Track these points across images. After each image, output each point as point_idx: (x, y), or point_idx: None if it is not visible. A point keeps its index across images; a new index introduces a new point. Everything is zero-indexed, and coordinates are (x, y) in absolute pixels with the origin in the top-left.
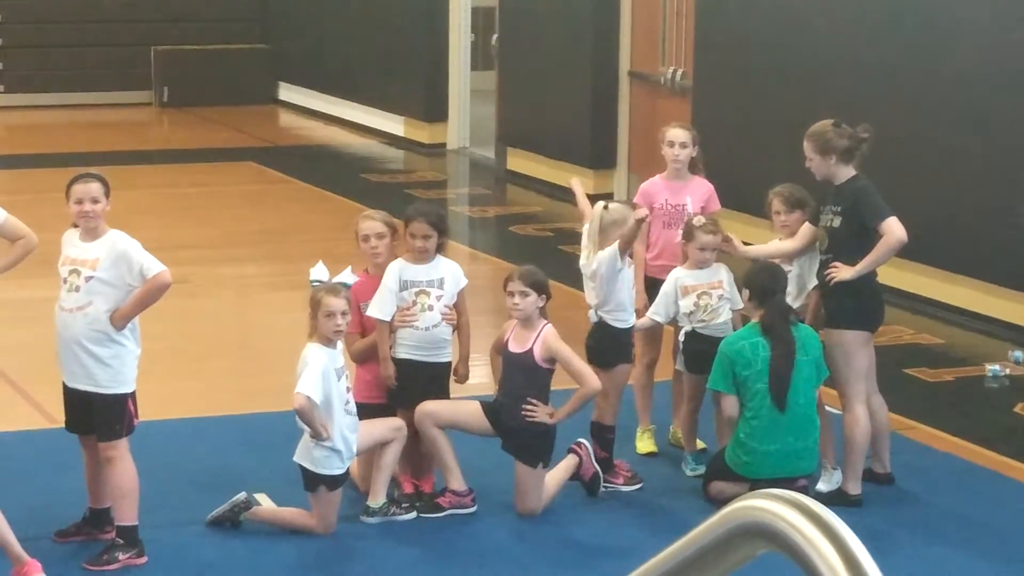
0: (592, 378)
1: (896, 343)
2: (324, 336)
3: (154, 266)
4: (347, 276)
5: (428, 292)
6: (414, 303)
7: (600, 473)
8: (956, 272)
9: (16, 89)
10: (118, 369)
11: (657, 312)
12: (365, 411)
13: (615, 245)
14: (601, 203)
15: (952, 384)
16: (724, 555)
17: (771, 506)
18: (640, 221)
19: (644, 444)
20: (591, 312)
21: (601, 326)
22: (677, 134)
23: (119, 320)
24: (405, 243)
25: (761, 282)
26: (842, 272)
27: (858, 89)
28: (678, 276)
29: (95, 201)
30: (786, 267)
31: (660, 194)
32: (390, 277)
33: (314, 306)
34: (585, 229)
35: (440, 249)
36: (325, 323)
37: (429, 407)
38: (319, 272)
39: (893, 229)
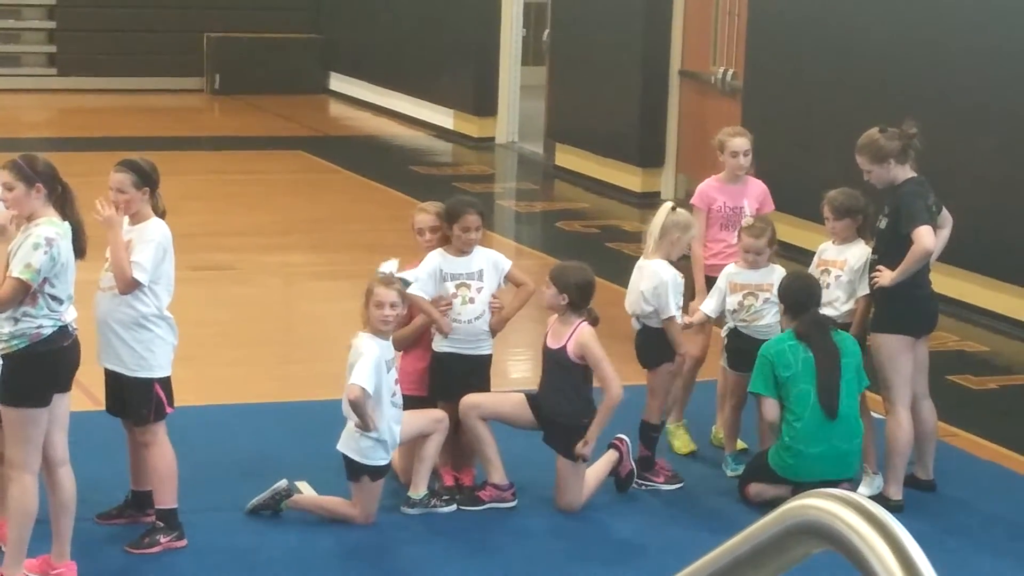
0: (615, 385)
1: (941, 349)
2: (374, 326)
3: (136, 267)
4: (409, 274)
5: (468, 285)
6: (454, 295)
7: (635, 471)
8: (1003, 280)
9: (69, 72)
10: (142, 354)
11: (708, 306)
12: (406, 403)
13: (677, 289)
14: (669, 204)
15: (996, 392)
16: (780, 553)
17: (829, 506)
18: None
19: (681, 443)
20: (633, 320)
21: (644, 329)
22: (740, 143)
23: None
24: (453, 236)
25: (794, 296)
26: (883, 278)
27: (910, 92)
28: (730, 272)
29: (120, 191)
30: (835, 272)
31: (718, 196)
32: (429, 264)
33: (367, 295)
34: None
35: None
36: (374, 313)
37: (474, 399)
38: (388, 267)
39: (920, 238)
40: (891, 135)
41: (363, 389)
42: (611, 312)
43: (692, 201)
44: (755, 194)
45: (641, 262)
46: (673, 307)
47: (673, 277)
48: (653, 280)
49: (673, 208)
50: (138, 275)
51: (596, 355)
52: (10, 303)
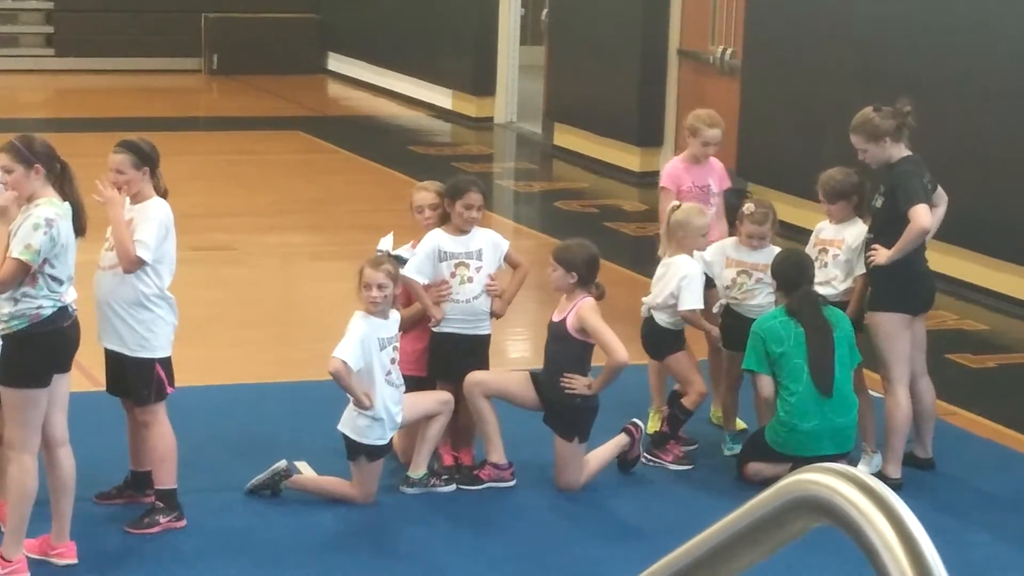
0: (618, 350)
1: (940, 328)
2: (365, 306)
3: (140, 245)
4: (405, 251)
5: (467, 264)
6: (452, 275)
7: (640, 458)
8: (1002, 259)
9: (67, 53)
10: (143, 334)
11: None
12: (405, 384)
13: (698, 286)
14: (675, 203)
15: (995, 371)
16: (779, 528)
17: (828, 480)
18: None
19: (653, 425)
20: (643, 308)
21: (649, 320)
22: (714, 135)
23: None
24: (454, 214)
25: (785, 274)
26: (879, 256)
27: (908, 71)
28: (726, 246)
29: (120, 172)
30: (833, 251)
31: (686, 177)
32: (428, 244)
33: (358, 276)
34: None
35: None
36: (363, 293)
37: (478, 377)
38: (386, 243)
39: (917, 216)
40: (885, 114)
41: (343, 362)
42: (610, 291)
43: (662, 183)
44: (717, 173)
45: (665, 259)
46: (695, 301)
47: (699, 272)
48: (680, 272)
49: (677, 206)
50: (141, 253)
51: (594, 325)
52: (10, 284)
